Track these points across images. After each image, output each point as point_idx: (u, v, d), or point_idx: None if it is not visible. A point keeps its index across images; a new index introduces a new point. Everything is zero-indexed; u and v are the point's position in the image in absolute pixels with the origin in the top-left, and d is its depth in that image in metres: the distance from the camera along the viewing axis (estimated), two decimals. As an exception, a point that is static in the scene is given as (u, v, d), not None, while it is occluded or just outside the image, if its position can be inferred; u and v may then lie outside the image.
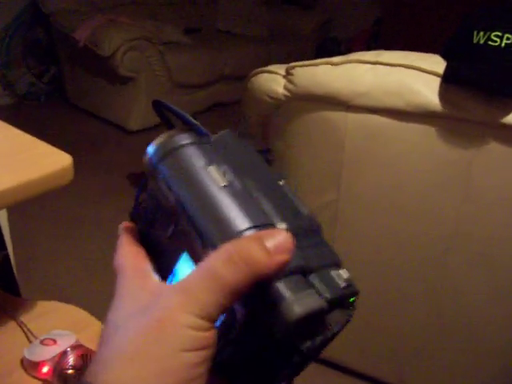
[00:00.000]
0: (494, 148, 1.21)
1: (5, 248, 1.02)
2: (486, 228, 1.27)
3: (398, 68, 1.23)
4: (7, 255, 1.02)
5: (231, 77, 4.01)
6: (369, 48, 4.49)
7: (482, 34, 1.20)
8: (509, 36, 1.16)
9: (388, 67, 1.23)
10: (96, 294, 2.05)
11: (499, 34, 1.16)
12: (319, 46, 4.68)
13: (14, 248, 1.22)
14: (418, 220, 1.32)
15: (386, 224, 1.36)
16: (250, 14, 4.55)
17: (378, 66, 1.24)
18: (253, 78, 1.45)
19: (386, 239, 1.39)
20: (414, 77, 1.22)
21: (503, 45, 1.16)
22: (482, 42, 1.19)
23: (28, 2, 3.77)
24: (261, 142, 1.63)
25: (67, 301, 1.01)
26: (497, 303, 1.36)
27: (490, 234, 1.27)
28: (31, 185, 0.64)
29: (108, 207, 2.66)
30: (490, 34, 1.19)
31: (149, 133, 3.54)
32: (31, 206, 2.51)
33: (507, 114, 1.17)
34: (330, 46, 4.70)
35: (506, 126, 1.17)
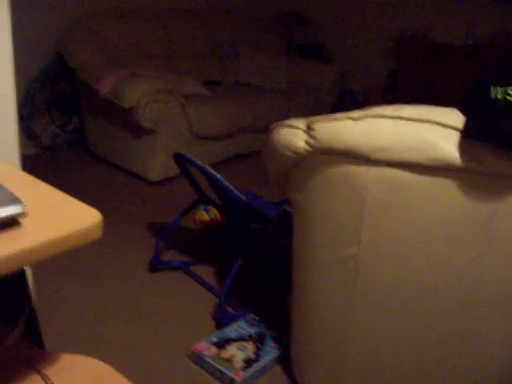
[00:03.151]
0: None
1: (30, 301, 1.03)
2: (509, 278, 1.26)
3: (417, 123, 1.25)
4: (33, 309, 1.03)
5: (251, 128, 4.07)
6: (385, 99, 4.55)
7: (498, 88, 1.22)
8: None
9: (408, 122, 1.25)
10: (116, 345, 2.06)
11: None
12: (337, 98, 4.75)
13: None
14: (441, 272, 1.32)
15: (408, 276, 1.36)
16: (269, 67, 4.65)
17: (397, 120, 1.26)
18: (274, 132, 1.48)
19: (408, 291, 1.38)
20: (434, 131, 1.23)
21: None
22: (499, 96, 1.21)
23: (54, 55, 3.91)
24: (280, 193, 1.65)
25: (89, 352, 1.01)
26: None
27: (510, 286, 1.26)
28: (62, 242, 0.66)
29: (128, 258, 2.68)
30: (507, 89, 1.21)
31: (169, 183, 3.59)
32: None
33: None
34: (347, 98, 4.76)
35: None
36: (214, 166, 3.80)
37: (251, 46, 4.83)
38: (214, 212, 3.00)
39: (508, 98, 1.19)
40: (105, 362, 0.99)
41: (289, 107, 4.31)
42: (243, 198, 2.19)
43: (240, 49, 4.75)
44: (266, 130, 1.57)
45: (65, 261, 2.58)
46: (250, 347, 2.01)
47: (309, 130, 1.36)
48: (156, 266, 2.59)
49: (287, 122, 1.45)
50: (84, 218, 0.70)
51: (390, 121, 1.26)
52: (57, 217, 0.71)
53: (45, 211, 0.73)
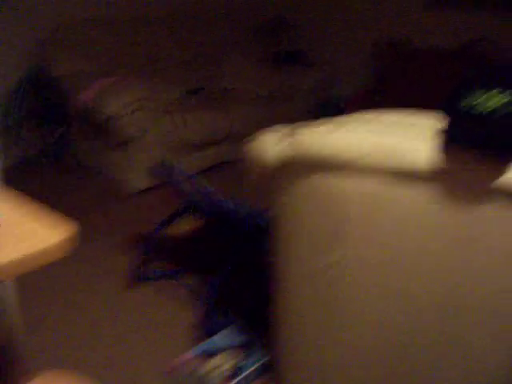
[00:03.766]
0: (495, 207, 1.21)
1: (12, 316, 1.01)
2: (490, 285, 1.26)
3: (397, 129, 1.25)
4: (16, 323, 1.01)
5: (236, 135, 4.06)
6: (369, 104, 4.57)
7: (477, 94, 1.23)
8: (502, 98, 1.18)
9: (387, 128, 1.25)
10: (100, 361, 2.02)
11: (493, 95, 1.19)
12: (320, 104, 4.76)
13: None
14: (423, 280, 1.32)
15: (391, 284, 1.36)
16: (253, 73, 4.66)
17: (378, 127, 1.26)
18: (256, 140, 1.47)
19: (390, 300, 1.38)
20: (413, 137, 1.23)
21: (500, 105, 1.18)
22: (477, 102, 1.22)
23: (36, 64, 3.88)
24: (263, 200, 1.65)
25: (74, 368, 1.00)
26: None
27: (493, 290, 1.26)
28: (33, 258, 0.65)
29: (109, 270, 2.64)
30: (488, 94, 1.21)
31: (153, 192, 3.56)
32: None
33: (503, 175, 1.18)
34: (330, 103, 4.78)
35: (500, 189, 1.18)
36: (200, 173, 3.79)
37: (235, 52, 4.83)
38: (198, 220, 2.99)
39: (486, 103, 1.20)
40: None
41: (272, 114, 4.31)
42: (230, 204, 2.18)
43: (224, 56, 4.75)
44: (250, 137, 1.56)
45: (39, 274, 2.51)
46: (238, 356, 2.00)
47: (289, 138, 1.36)
48: (139, 277, 2.57)
49: (267, 130, 1.45)
50: (56, 232, 0.69)
51: (370, 127, 1.26)
52: (28, 233, 0.70)
53: (20, 223, 0.72)
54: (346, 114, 1.38)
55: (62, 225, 0.71)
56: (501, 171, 1.17)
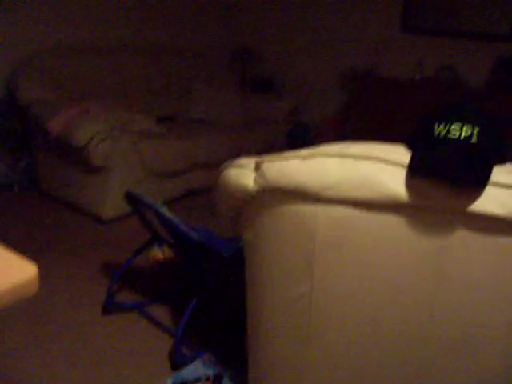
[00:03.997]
0: (463, 235, 1.23)
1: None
2: (462, 314, 1.27)
3: (364, 161, 1.26)
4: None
5: (205, 164, 4.07)
6: (337, 133, 4.63)
7: (442, 126, 1.26)
8: (467, 128, 1.21)
9: (355, 160, 1.26)
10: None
11: (458, 126, 1.22)
12: (289, 133, 4.81)
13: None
14: (393, 309, 1.32)
15: (361, 314, 1.36)
16: (222, 102, 4.68)
17: (344, 159, 1.27)
18: (223, 172, 1.47)
19: (361, 328, 1.37)
20: (381, 169, 1.25)
21: (462, 137, 1.21)
22: (442, 134, 1.25)
23: (3, 93, 3.84)
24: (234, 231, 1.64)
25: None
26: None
27: (465, 320, 1.27)
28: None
29: (80, 299, 2.61)
30: (449, 127, 1.25)
31: (122, 222, 3.53)
32: None
33: (471, 202, 1.20)
34: (299, 132, 4.83)
35: (471, 214, 1.20)
36: (168, 202, 3.77)
37: (204, 82, 4.86)
38: (167, 251, 2.96)
39: (450, 135, 1.23)
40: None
41: (242, 143, 4.33)
42: (195, 236, 2.17)
43: (193, 85, 4.77)
44: (219, 166, 1.56)
45: (13, 306, 2.48)
46: (206, 389, 1.97)
47: (257, 169, 1.36)
48: (110, 307, 2.53)
49: (236, 162, 1.45)
50: (18, 273, 0.67)
51: (338, 159, 1.28)
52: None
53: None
54: (316, 140, 1.39)
55: (23, 265, 0.69)
56: (472, 197, 1.19)
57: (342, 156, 1.28)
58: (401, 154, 1.29)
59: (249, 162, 1.42)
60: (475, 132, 1.22)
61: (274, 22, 5.37)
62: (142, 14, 4.74)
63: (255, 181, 1.37)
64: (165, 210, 2.21)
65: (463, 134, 1.22)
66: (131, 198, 2.30)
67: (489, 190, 1.20)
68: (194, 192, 4.09)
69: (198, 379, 2.02)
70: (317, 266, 1.34)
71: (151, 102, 4.48)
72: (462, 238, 1.23)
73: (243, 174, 1.40)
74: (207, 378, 2.03)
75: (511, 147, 1.34)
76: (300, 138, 4.75)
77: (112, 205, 3.49)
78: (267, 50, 5.44)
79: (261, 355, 1.61)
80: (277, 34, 5.39)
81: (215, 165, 4.04)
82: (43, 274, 2.50)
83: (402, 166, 1.25)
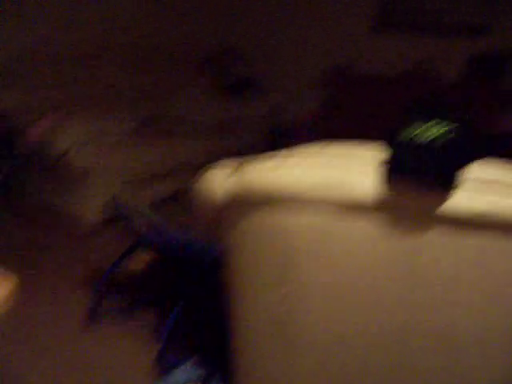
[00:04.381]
0: (435, 236, 1.24)
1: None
2: (439, 314, 1.28)
3: (341, 162, 1.27)
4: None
5: (187, 166, 4.05)
6: (315, 134, 4.65)
7: (419, 124, 1.27)
8: (440, 128, 1.22)
9: (331, 161, 1.27)
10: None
11: (431, 126, 1.23)
12: (267, 134, 4.83)
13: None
14: (372, 310, 1.33)
15: (341, 317, 1.37)
16: (204, 102, 4.68)
17: (321, 160, 1.28)
18: (204, 175, 1.48)
19: (342, 331, 1.38)
20: (357, 170, 1.26)
21: (431, 138, 1.22)
22: (419, 132, 1.25)
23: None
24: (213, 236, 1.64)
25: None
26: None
27: (443, 320, 1.29)
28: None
29: (66, 307, 2.59)
30: (426, 125, 1.25)
31: (105, 228, 3.50)
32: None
33: (442, 203, 1.21)
34: (277, 133, 4.85)
35: (442, 215, 1.21)
36: (151, 206, 3.75)
37: (185, 83, 4.85)
38: (152, 255, 2.96)
39: (427, 133, 1.23)
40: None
41: (224, 142, 4.33)
42: (181, 239, 2.17)
43: (174, 87, 4.76)
44: (199, 170, 1.56)
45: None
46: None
47: (234, 173, 1.36)
48: (95, 315, 2.52)
49: (215, 165, 1.46)
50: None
51: (315, 161, 1.28)
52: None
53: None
54: (296, 140, 1.40)
55: (2, 280, 0.69)
56: (444, 198, 1.21)
57: (319, 157, 1.29)
58: (379, 153, 1.29)
59: (225, 167, 1.42)
60: (446, 131, 1.23)
61: (254, 21, 5.37)
62: (118, 13, 4.69)
63: (233, 185, 1.37)
64: (151, 214, 2.21)
65: (440, 132, 1.22)
66: (117, 203, 2.30)
67: (459, 191, 1.21)
68: (177, 195, 4.07)
69: (187, 381, 2.02)
70: (293, 273, 1.35)
71: (132, 106, 4.46)
72: (434, 239, 1.24)
73: (220, 178, 1.40)
74: (197, 380, 2.03)
75: (484, 145, 1.36)
76: (278, 138, 4.76)
77: (97, 211, 3.46)
78: (248, 48, 5.43)
79: (245, 358, 1.62)
80: (258, 32, 5.39)
81: (197, 166, 4.02)
82: (23, 287, 2.46)
83: (378, 167, 1.26)
